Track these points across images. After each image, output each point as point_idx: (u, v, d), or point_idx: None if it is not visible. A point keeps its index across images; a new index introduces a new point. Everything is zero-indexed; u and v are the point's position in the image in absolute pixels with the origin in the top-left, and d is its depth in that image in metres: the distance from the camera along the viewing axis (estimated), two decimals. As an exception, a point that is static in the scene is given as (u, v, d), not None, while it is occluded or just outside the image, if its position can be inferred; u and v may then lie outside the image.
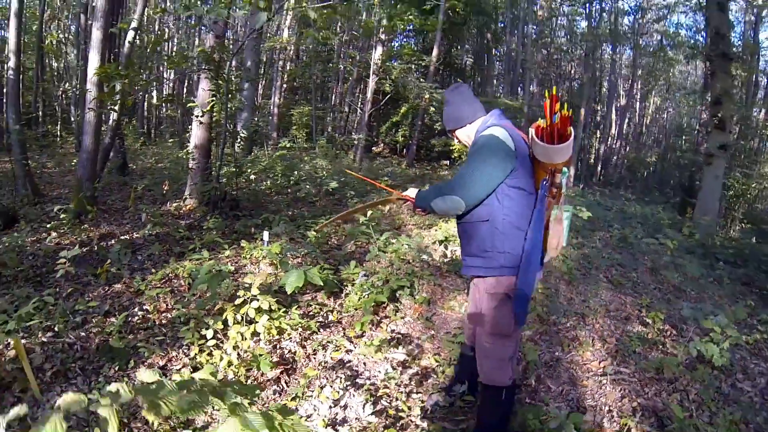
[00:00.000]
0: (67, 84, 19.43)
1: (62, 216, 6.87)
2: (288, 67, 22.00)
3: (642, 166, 30.56)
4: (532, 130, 2.53)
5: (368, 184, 10.69)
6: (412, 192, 2.87)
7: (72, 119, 20.00)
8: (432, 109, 17.36)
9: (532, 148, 2.57)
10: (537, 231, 2.56)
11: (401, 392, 3.38)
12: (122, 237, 6.50)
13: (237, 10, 5.30)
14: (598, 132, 31.61)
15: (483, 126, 2.73)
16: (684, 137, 28.55)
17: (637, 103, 33.34)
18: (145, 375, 1.34)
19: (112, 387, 1.18)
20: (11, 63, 8.35)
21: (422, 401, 3.31)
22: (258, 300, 3.63)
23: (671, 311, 5.42)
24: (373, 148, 20.26)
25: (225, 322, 3.74)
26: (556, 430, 2.86)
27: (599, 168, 30.13)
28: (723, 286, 7.07)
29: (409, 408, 3.21)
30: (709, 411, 3.51)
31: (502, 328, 2.71)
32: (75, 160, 12.19)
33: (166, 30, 20.48)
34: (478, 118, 2.80)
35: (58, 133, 19.42)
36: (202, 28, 20.42)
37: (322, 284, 3.97)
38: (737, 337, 4.07)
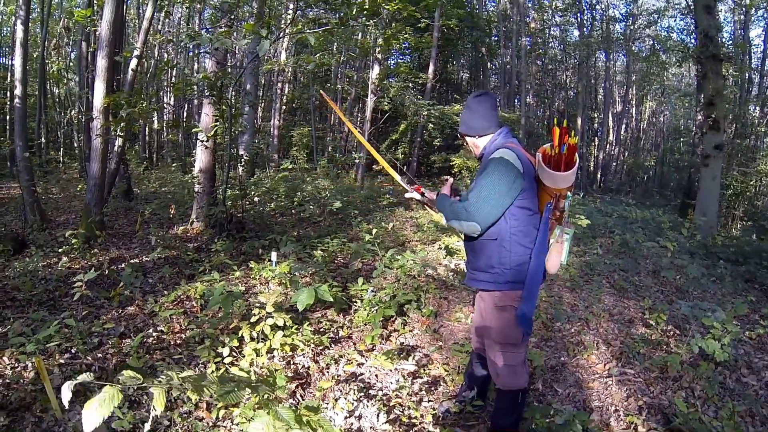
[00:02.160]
0: (72, 111, 19.64)
1: (73, 241, 7.00)
2: (286, 89, 22.23)
3: (641, 170, 30.68)
4: (539, 155, 2.68)
5: (370, 203, 10.91)
6: (432, 195, 3.08)
7: (75, 145, 20.23)
8: (431, 125, 17.51)
9: (538, 172, 2.71)
10: (540, 251, 2.69)
11: (413, 401, 3.48)
12: (132, 261, 6.63)
13: (239, 38, 5.45)
14: (596, 139, 31.78)
15: (491, 144, 2.87)
16: (681, 139, 28.64)
17: (633, 108, 33.54)
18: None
19: (167, 372, 1.30)
20: (18, 91, 8.51)
21: (434, 408, 3.42)
22: (273, 317, 3.75)
23: (673, 312, 5.52)
24: (373, 166, 20.42)
25: (240, 340, 3.86)
26: (563, 427, 2.96)
27: (599, 175, 30.23)
28: (725, 284, 7.15)
29: (421, 415, 3.31)
30: (714, 405, 3.61)
31: (510, 338, 2.81)
32: (79, 186, 12.37)
33: (165, 55, 20.72)
34: (488, 134, 2.92)
35: (61, 159, 19.64)
36: (202, 54, 20.70)
37: (332, 301, 4.10)
38: (737, 333, 4.16)
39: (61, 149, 20.36)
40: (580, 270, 6.76)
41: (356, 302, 4.97)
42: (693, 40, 19.49)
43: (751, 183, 15.38)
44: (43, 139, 18.50)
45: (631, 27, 25.90)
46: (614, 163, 32.25)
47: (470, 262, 2.93)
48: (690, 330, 4.81)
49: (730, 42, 19.62)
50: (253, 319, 3.78)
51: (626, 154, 32.60)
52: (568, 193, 2.66)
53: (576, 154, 2.60)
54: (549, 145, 2.67)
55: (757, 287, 7.37)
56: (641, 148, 34.78)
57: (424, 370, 3.95)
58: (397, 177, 3.56)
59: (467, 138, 3.03)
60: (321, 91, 4.79)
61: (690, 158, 20.96)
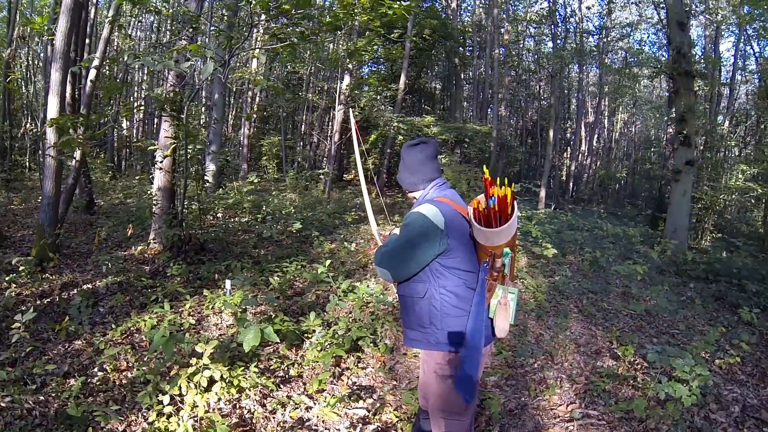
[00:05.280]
0: (30, 123, 18.84)
1: (21, 269, 6.58)
2: (257, 99, 21.86)
3: (613, 180, 30.96)
4: (470, 209, 2.47)
5: (336, 218, 10.72)
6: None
7: (39, 152, 19.51)
8: (400, 137, 17.33)
9: (471, 228, 2.49)
10: (478, 315, 2.47)
11: (361, 453, 3.27)
12: (84, 286, 6.27)
13: (185, 60, 5.16)
14: (569, 149, 31.99)
15: (421, 198, 2.70)
16: (652, 149, 29.03)
17: (605, 119, 33.87)
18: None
19: None
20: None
21: (382, 462, 3.20)
22: (210, 369, 3.48)
23: (642, 340, 5.40)
24: (344, 176, 20.11)
25: (181, 388, 3.60)
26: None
27: (571, 185, 30.42)
28: (695, 306, 7.08)
29: (369, 471, 3.11)
30: (680, 451, 3.45)
31: (453, 407, 2.62)
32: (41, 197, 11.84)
33: (129, 68, 20.09)
34: (420, 189, 2.76)
35: (27, 165, 18.88)
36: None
37: (279, 341, 3.86)
38: (707, 377, 3.96)
39: (27, 154, 19.54)
40: (548, 294, 6.62)
41: (309, 337, 4.72)
42: (665, 54, 19.65)
43: (721, 197, 15.53)
44: (8, 143, 17.70)
45: (604, 40, 26.11)
46: (586, 174, 32.49)
47: (403, 319, 2.73)
48: (658, 366, 4.68)
49: (702, 57, 19.83)
50: (190, 370, 3.51)
51: (598, 164, 32.87)
52: (506, 250, 2.42)
53: (513, 204, 2.34)
54: (481, 198, 2.45)
55: (728, 307, 7.32)
56: (613, 157, 35.14)
57: (376, 415, 3.72)
58: (374, 228, 3.34)
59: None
60: (351, 115, 3.97)
61: (661, 169, 21.15)
